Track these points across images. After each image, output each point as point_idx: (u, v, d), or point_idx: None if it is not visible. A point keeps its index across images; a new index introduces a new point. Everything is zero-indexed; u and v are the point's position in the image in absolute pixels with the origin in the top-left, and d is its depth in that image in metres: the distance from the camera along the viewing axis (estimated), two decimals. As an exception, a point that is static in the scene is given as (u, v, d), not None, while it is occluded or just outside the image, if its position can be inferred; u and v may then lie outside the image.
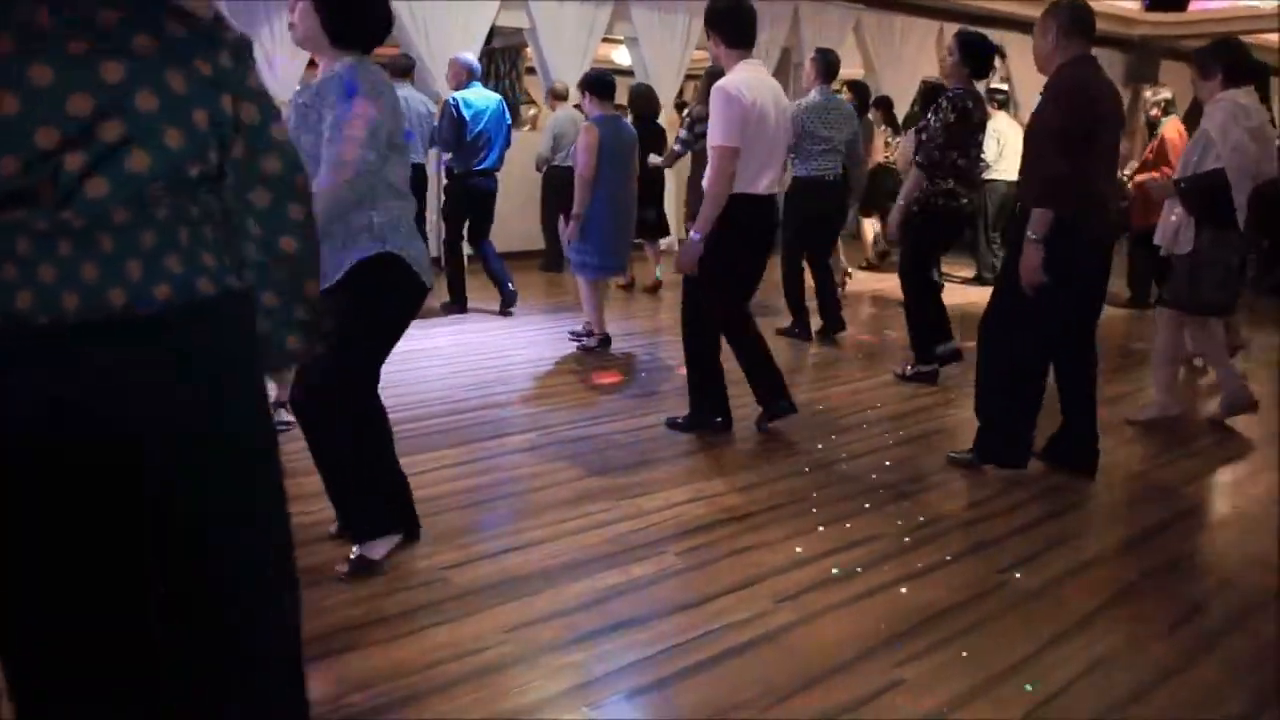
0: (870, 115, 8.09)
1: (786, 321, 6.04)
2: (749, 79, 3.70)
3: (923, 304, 5.04)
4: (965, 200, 4.90)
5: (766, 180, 3.79)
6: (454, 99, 6.13)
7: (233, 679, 1.41)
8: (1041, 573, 2.88)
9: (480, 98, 6.14)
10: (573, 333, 5.84)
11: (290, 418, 3.76)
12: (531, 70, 9.57)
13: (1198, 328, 4.38)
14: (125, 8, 1.25)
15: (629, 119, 7.00)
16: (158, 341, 1.28)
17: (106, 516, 1.28)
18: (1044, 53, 3.43)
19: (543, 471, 3.64)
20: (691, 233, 3.82)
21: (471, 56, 6.41)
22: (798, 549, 2.99)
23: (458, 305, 6.62)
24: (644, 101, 7.14)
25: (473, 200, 6.36)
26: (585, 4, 8.58)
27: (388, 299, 2.60)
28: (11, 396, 1.23)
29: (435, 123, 6.66)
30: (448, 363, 5.32)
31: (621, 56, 10.51)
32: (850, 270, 7.96)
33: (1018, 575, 2.85)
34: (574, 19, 8.57)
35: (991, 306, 3.61)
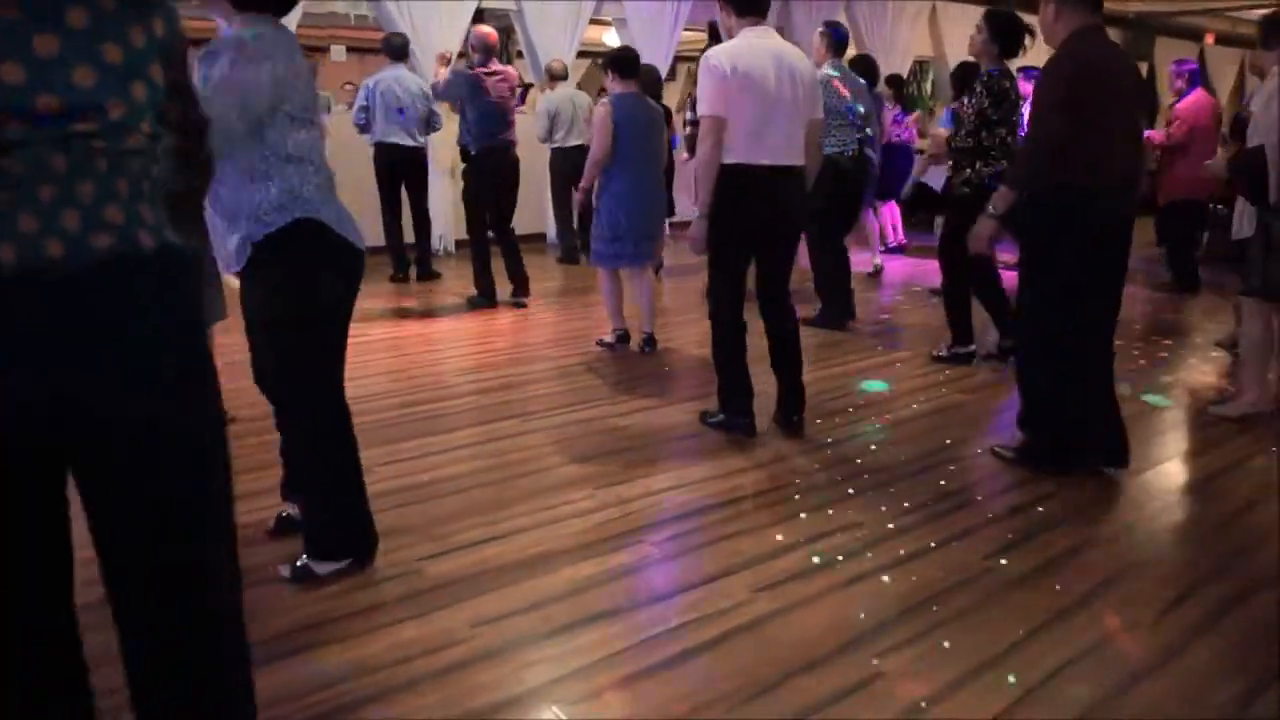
0: (881, 91, 7.96)
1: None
2: (739, 45, 3.60)
3: (961, 285, 4.95)
4: None
5: (768, 149, 3.59)
6: (469, 70, 6.02)
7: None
8: (1029, 559, 2.82)
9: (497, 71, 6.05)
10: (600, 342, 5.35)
11: None
12: (521, 54, 9.45)
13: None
14: None
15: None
16: (97, 292, 1.30)
17: (31, 468, 1.36)
18: (1046, 25, 3.34)
19: (527, 458, 3.58)
20: (697, 209, 3.72)
21: (488, 28, 6.27)
22: (778, 536, 2.93)
23: (487, 300, 6.29)
24: (648, 81, 7.00)
25: (500, 175, 6.08)
26: (574, -15, 8.48)
27: (307, 267, 2.44)
28: None
29: (431, 104, 6.57)
30: (443, 348, 5.25)
31: (611, 39, 10.39)
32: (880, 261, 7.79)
33: (1003, 561, 2.80)
34: (561, 1, 8.46)
35: (1022, 292, 3.48)
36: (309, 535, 2.65)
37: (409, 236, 6.99)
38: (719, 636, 2.37)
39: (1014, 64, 4.78)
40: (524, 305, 6.30)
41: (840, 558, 2.80)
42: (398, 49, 6.67)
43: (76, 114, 1.26)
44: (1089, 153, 3.19)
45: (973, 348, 5.06)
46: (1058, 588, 2.65)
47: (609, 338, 5.30)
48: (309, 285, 2.47)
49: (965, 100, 4.75)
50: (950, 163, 4.92)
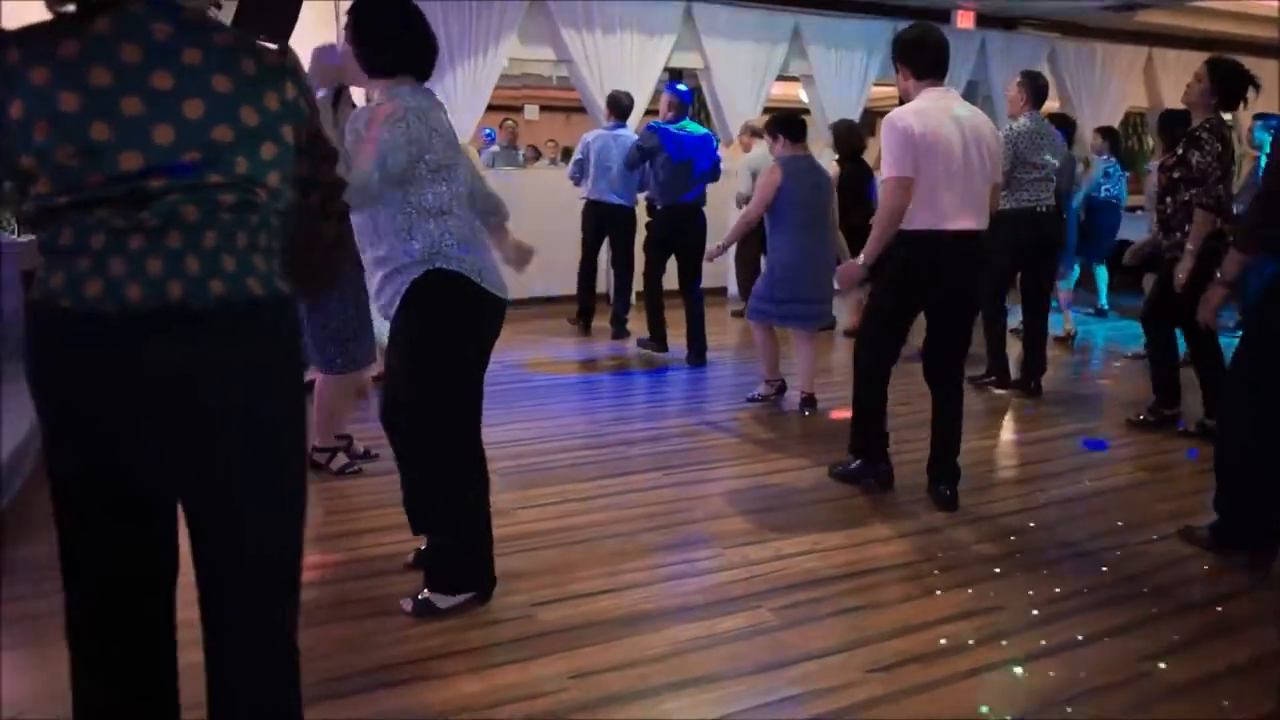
0: (1092, 144, 7.52)
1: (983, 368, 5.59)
2: (922, 107, 3.51)
3: (1167, 347, 4.64)
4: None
5: (952, 214, 3.46)
6: (660, 126, 6.04)
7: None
8: (1195, 666, 2.48)
9: (687, 129, 6.07)
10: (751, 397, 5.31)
11: (356, 457, 3.83)
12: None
13: None
14: (205, 47, 1.40)
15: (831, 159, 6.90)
16: (211, 333, 1.42)
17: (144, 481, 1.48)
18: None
19: (661, 512, 3.56)
20: (862, 257, 3.62)
21: (683, 86, 6.35)
22: (907, 614, 2.74)
23: (657, 344, 6.34)
24: (847, 138, 6.93)
25: (676, 234, 6.06)
26: (760, 44, 8.54)
27: (447, 317, 2.56)
28: (91, 375, 1.39)
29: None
30: (603, 397, 5.35)
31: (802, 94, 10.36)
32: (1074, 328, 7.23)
33: (1162, 666, 2.48)
34: (748, 58, 8.53)
35: (1237, 359, 3.17)
36: (431, 570, 2.75)
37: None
38: (815, 718, 2.23)
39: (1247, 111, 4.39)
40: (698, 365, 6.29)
41: (971, 643, 2.58)
42: (624, 108, 6.85)
43: (209, 168, 1.39)
44: None
45: (1179, 410, 4.59)
46: (1225, 704, 2.31)
47: (764, 389, 5.23)
48: (450, 336, 2.60)
49: (1191, 153, 4.27)
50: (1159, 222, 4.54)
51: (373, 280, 2.65)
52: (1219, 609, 2.81)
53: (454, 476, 2.71)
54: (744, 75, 8.58)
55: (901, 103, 3.63)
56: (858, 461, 3.84)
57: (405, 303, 2.57)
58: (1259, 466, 3.09)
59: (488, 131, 10.27)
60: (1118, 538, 3.35)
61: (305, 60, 2.56)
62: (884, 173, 3.50)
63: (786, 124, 5.03)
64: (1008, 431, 4.70)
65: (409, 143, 2.44)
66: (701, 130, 6.18)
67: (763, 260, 5.90)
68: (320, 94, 3.56)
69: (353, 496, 3.62)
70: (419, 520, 2.84)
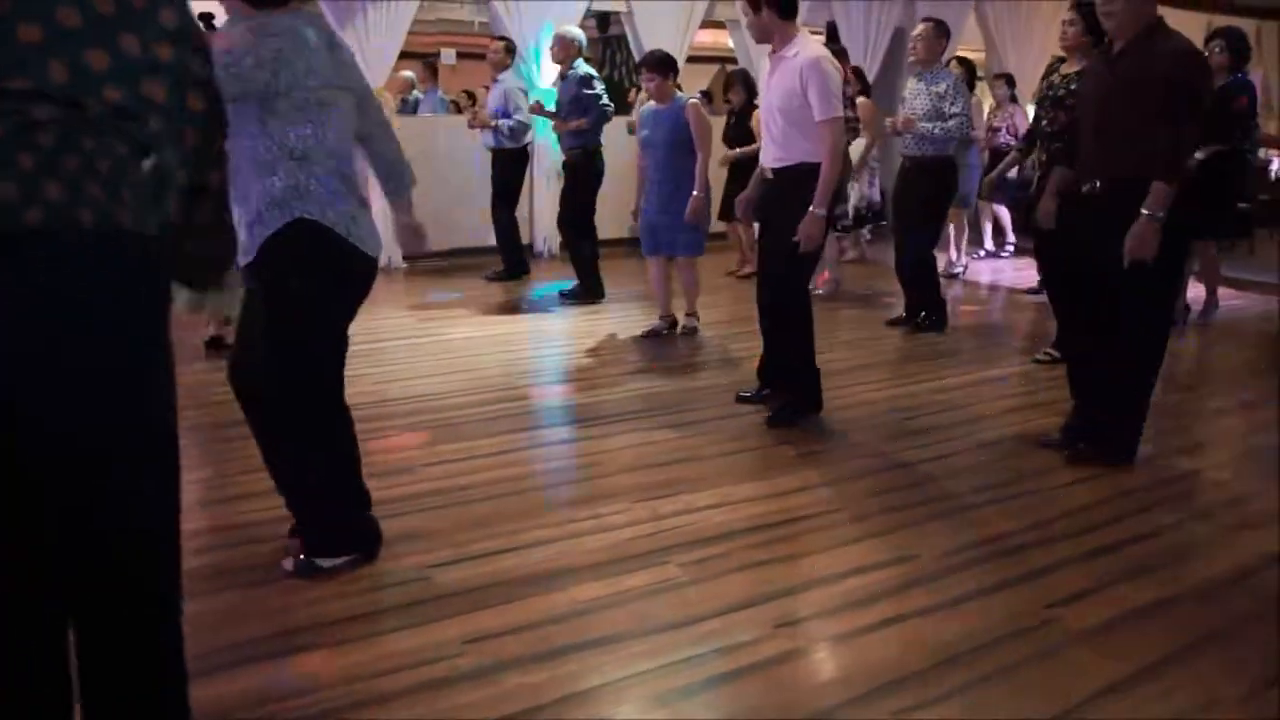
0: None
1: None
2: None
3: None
4: None
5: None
6: (592, 71, 6.15)
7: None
8: (1100, 611, 2.46)
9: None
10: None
11: None
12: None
13: None
14: None
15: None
16: (22, 263, 1.22)
17: None
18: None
19: (572, 467, 3.44)
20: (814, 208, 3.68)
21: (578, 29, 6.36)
22: (816, 567, 2.68)
23: (593, 294, 6.31)
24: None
25: (600, 178, 6.20)
26: (682, -15, 8.34)
27: (313, 271, 2.36)
28: None
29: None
30: (511, 349, 5.18)
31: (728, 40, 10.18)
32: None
33: (1068, 612, 2.45)
34: (671, 2, 8.33)
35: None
36: (306, 534, 2.58)
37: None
38: (721, 676, 2.15)
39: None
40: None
41: (881, 594, 2.52)
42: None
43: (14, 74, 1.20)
44: None
45: None
46: (1128, 649, 2.29)
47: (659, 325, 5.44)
48: (314, 294, 2.41)
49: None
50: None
51: (235, 216, 2.43)
52: (1126, 552, 2.81)
53: (315, 436, 2.53)
54: (666, 19, 8.39)
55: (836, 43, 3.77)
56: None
57: (264, 255, 2.35)
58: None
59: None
60: (1033, 482, 3.33)
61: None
62: (835, 112, 3.64)
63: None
64: (925, 380, 4.67)
65: (283, 72, 2.22)
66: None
67: None
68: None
69: (228, 461, 3.38)
70: (283, 485, 2.65)
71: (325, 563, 2.55)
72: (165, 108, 1.31)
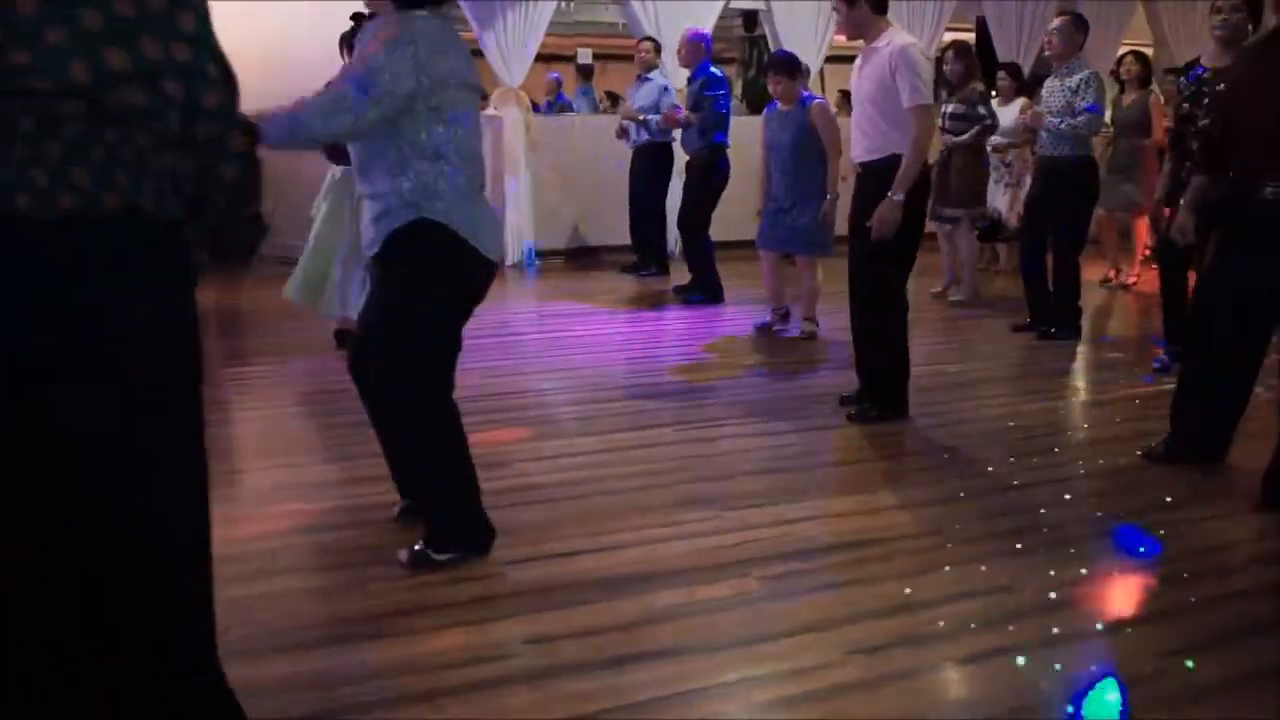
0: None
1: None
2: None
3: None
4: None
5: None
6: (721, 72, 6.22)
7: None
8: (1227, 665, 2.18)
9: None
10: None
11: None
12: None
13: None
14: None
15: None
16: (55, 246, 1.23)
17: None
18: None
19: (662, 470, 3.37)
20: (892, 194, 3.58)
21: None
22: (906, 590, 2.51)
23: (712, 295, 6.24)
24: None
25: (725, 180, 6.17)
26: (825, -17, 8.14)
27: (432, 272, 2.43)
28: None
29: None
30: (626, 348, 5.17)
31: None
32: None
33: (1189, 664, 2.19)
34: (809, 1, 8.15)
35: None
36: (429, 527, 2.62)
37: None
38: (779, 700, 2.03)
39: None
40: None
41: (972, 626, 2.33)
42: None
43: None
44: None
45: None
46: (1249, 711, 2.02)
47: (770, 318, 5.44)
48: (433, 293, 2.46)
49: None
50: None
51: (364, 219, 2.51)
52: (1264, 600, 2.49)
53: (429, 434, 2.57)
54: (806, 18, 8.22)
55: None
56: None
57: (387, 249, 2.43)
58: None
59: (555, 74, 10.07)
60: (1165, 514, 3.01)
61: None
62: (925, 99, 3.55)
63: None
64: (1058, 396, 4.35)
65: (416, 69, 2.26)
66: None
67: None
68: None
69: (352, 445, 3.47)
70: (402, 480, 2.73)
71: (439, 555, 2.58)
72: (182, 105, 1.33)
